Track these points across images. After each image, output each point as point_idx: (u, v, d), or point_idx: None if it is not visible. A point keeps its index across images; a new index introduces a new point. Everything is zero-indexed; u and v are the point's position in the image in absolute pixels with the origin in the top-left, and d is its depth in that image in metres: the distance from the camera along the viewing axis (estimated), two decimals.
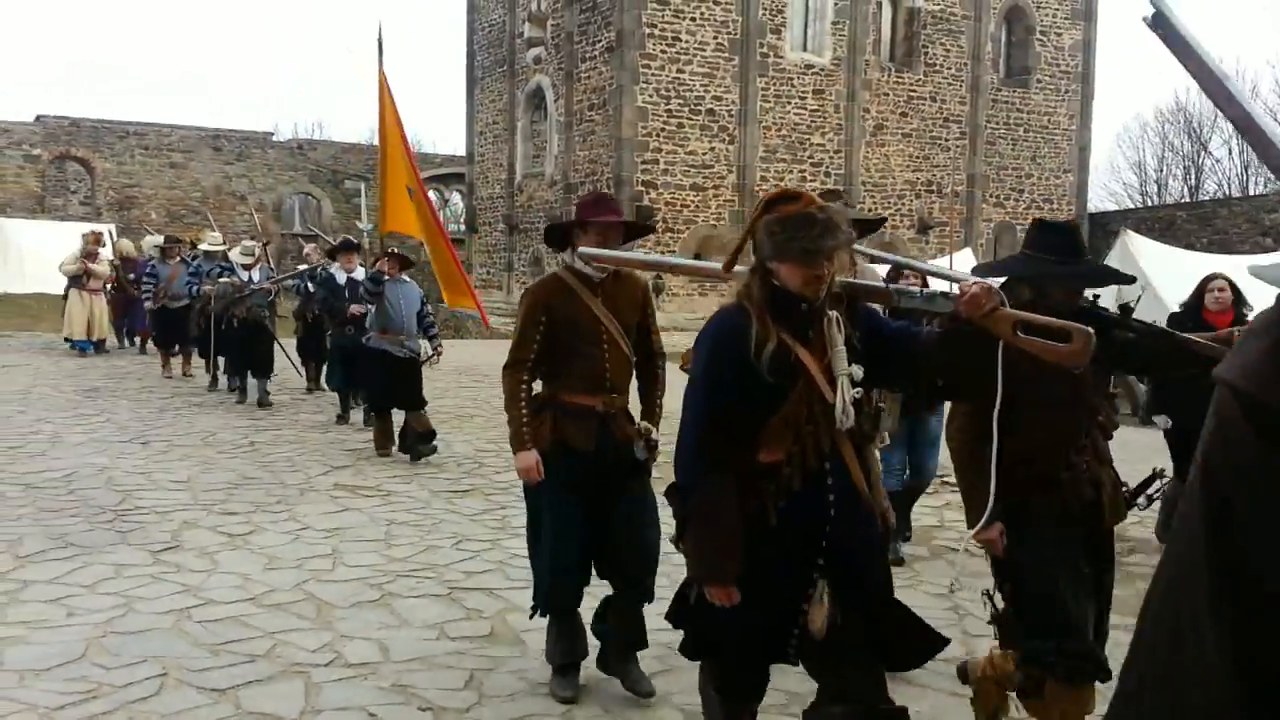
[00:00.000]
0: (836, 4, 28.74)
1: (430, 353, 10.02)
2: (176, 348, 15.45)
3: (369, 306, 9.97)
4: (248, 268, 13.41)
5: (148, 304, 16.10)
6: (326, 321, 12.60)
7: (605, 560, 4.49)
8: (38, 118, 34.85)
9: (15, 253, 26.63)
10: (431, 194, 44.12)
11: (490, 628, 5.24)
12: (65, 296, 17.80)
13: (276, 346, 13.62)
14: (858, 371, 3.04)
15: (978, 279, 3.09)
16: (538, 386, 4.54)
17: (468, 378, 15.85)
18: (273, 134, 39.70)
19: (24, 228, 28.23)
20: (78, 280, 17.20)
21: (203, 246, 15.28)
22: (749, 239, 3.09)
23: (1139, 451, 11.48)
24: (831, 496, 3.08)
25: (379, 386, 9.80)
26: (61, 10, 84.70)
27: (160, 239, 17.72)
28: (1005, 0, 31.24)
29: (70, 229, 29.11)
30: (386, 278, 9.62)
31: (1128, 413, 14.27)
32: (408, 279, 9.88)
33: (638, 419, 4.52)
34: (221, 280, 13.26)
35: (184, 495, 7.87)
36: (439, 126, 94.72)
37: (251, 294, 13.07)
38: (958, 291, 2.98)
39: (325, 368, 13.08)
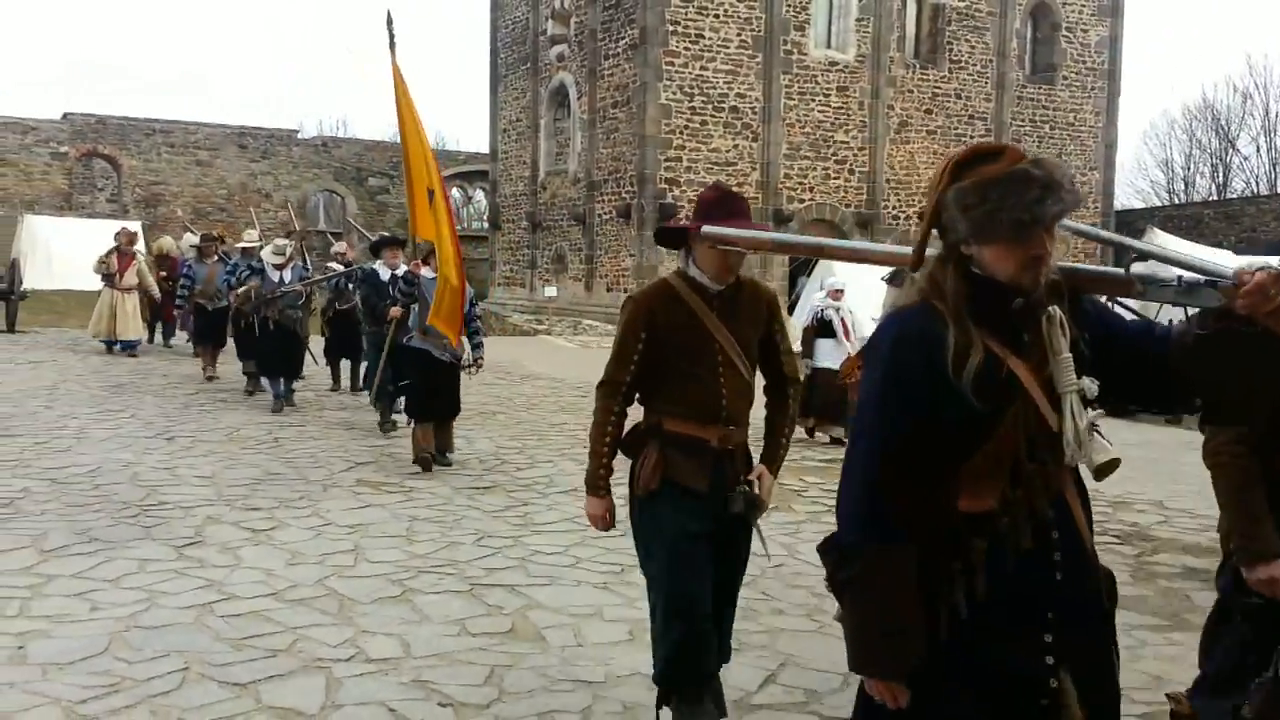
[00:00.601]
0: (860, 1, 28.62)
1: (471, 359, 9.37)
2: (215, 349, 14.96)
3: (412, 307, 9.38)
4: (279, 267, 12.67)
5: (180, 305, 15.52)
6: (365, 319, 11.97)
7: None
8: (65, 115, 35.15)
9: (43, 250, 26.86)
10: (455, 191, 44.49)
11: (511, 624, 5.24)
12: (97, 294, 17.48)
13: (309, 352, 13.40)
14: (1091, 386, 2.29)
15: (1263, 263, 2.23)
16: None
17: (490, 374, 15.86)
18: (298, 131, 39.93)
19: (51, 225, 28.49)
20: (110, 279, 16.78)
21: (240, 244, 14.71)
22: (935, 219, 2.35)
23: None
24: (1058, 555, 2.32)
25: (420, 391, 9.11)
26: (61, 9, 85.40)
27: (197, 238, 17.23)
28: None
29: (97, 226, 29.41)
30: (430, 275, 9.10)
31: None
32: (432, 274, 9.34)
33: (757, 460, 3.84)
34: (247, 283, 12.66)
35: (208, 491, 7.91)
36: (462, 124, 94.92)
37: (282, 295, 12.44)
38: (1231, 279, 2.20)
39: (359, 368, 12.54)
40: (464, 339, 9.17)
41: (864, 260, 3.08)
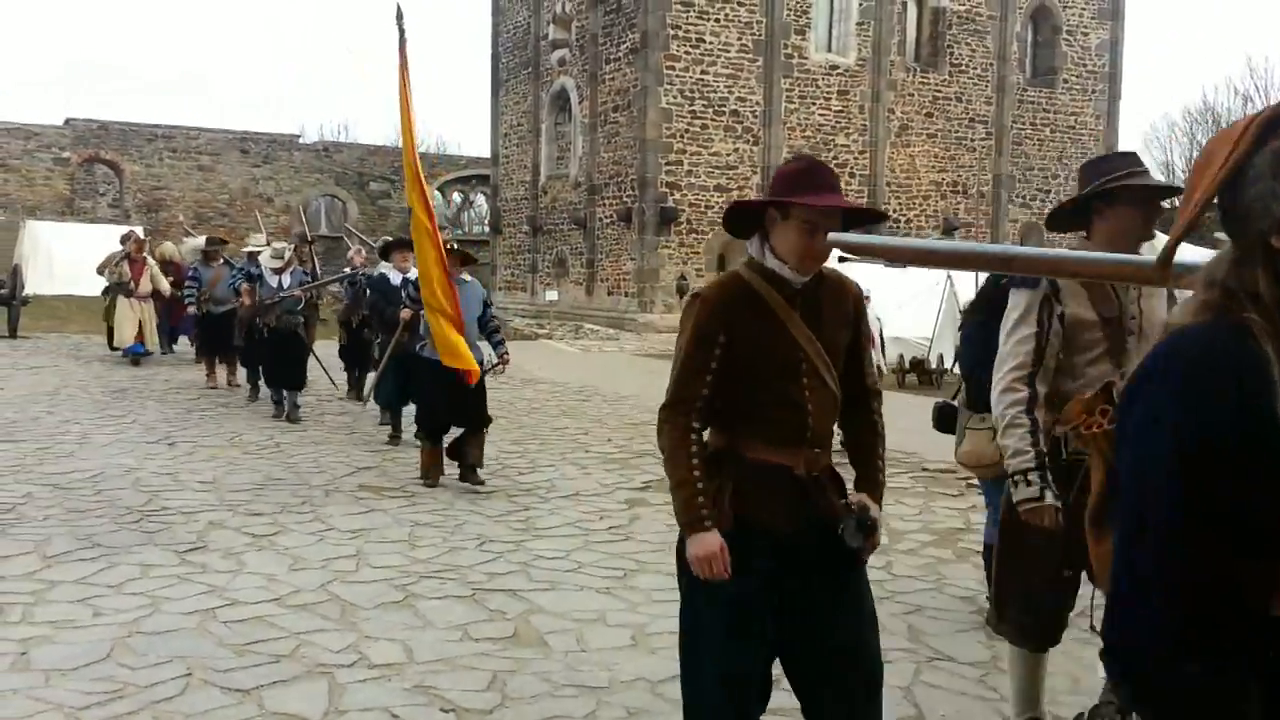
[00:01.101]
0: (861, 5, 28.69)
1: (494, 361, 8.92)
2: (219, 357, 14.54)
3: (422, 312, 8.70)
4: (278, 272, 12.16)
5: (190, 309, 15.11)
6: (375, 327, 11.60)
7: (809, 688, 3.05)
8: (67, 121, 35.20)
9: (44, 255, 26.90)
10: (455, 195, 44.52)
11: (514, 629, 5.23)
12: (109, 301, 16.78)
13: (313, 358, 13.13)
14: None
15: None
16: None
17: (490, 378, 15.87)
18: (299, 136, 40.01)
19: (53, 230, 28.52)
20: (123, 286, 16.22)
21: (246, 249, 14.46)
22: (1222, 197, 1.58)
23: None
24: None
25: (433, 404, 8.51)
26: (61, 10, 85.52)
27: (201, 241, 16.78)
28: (1031, 0, 31.07)
29: (99, 231, 29.45)
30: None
31: None
32: (469, 278, 8.91)
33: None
34: (241, 289, 12.44)
35: (210, 496, 7.92)
36: (463, 128, 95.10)
37: (280, 301, 11.96)
38: None
39: (372, 378, 11.51)
40: (481, 343, 8.89)
41: (1096, 275, 2.67)
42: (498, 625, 5.28)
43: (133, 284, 16.21)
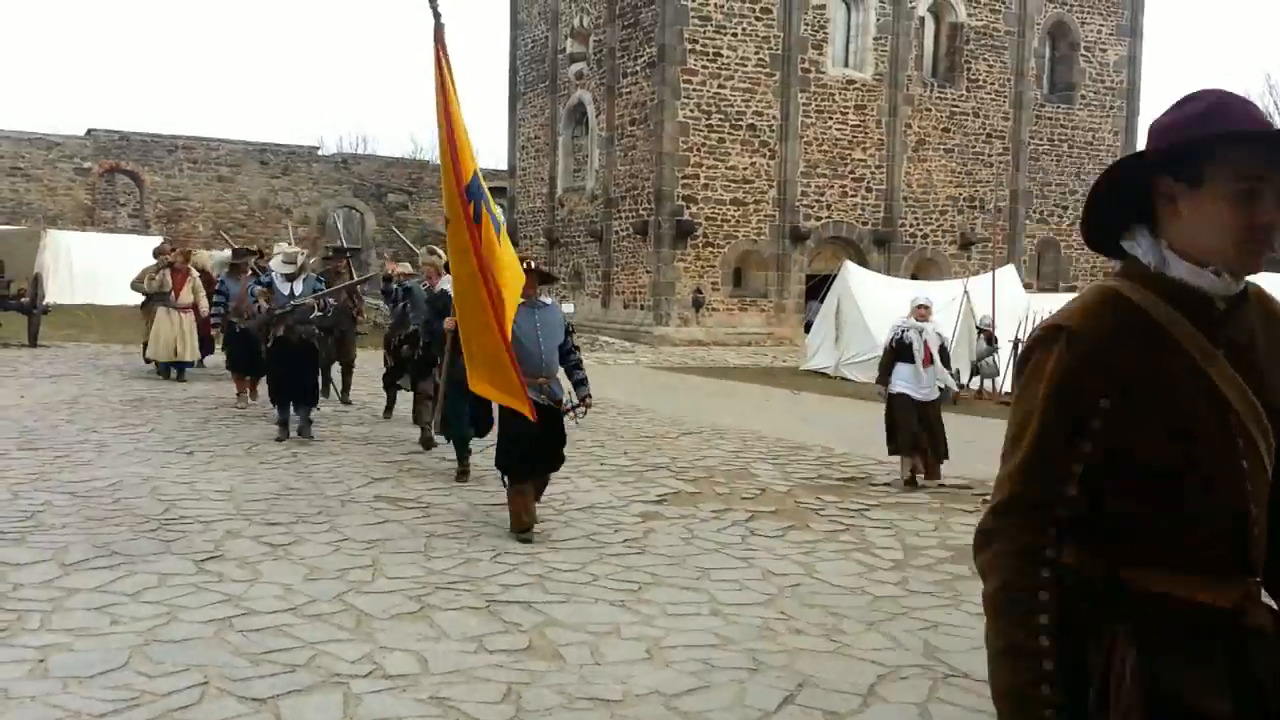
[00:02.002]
0: (879, 19, 28.73)
1: (574, 402, 7.59)
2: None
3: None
4: (290, 278, 11.25)
5: (214, 327, 14.24)
6: (433, 349, 10.05)
7: None
8: (89, 131, 35.49)
9: (65, 264, 27.10)
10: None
11: (528, 641, 5.24)
12: (146, 313, 16.13)
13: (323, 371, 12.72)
14: None
15: None
16: None
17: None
18: (318, 148, 40.25)
19: (74, 240, 28.73)
20: (164, 297, 15.54)
21: (273, 264, 13.15)
22: None
23: None
24: None
25: (514, 443, 7.23)
26: (84, 21, 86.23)
27: (228, 253, 15.80)
28: (1049, 16, 31.08)
29: (119, 241, 29.68)
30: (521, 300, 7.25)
31: None
32: (550, 300, 7.79)
33: None
34: (257, 297, 11.48)
35: (227, 505, 7.94)
36: (481, 140, 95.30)
37: (293, 310, 11.03)
38: None
39: (439, 409, 9.38)
40: (560, 379, 7.64)
41: None
42: (512, 637, 5.29)
43: (174, 294, 15.60)
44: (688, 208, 27.03)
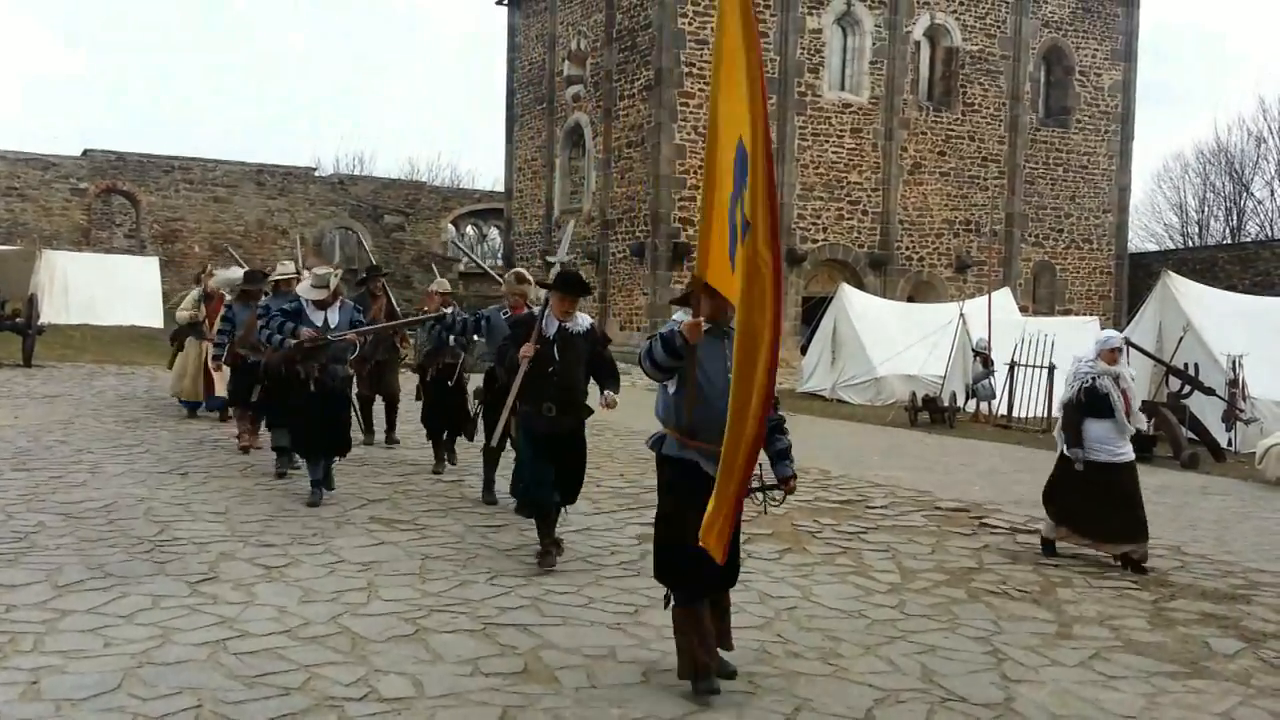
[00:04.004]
0: (874, 44, 28.88)
1: (773, 481, 5.27)
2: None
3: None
4: (321, 305, 9.08)
5: (213, 361, 12.24)
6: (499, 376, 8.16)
7: None
8: (85, 152, 35.52)
9: (60, 284, 27.05)
10: (469, 229, 44.59)
11: (524, 664, 5.21)
12: (176, 344, 14.67)
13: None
14: None
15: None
16: None
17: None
18: (315, 169, 40.30)
19: (69, 260, 28.69)
20: (197, 328, 13.91)
21: (274, 276, 11.43)
22: None
23: (1179, 495, 11.35)
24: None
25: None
26: (83, 41, 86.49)
27: (238, 274, 13.40)
28: (1044, 41, 31.25)
29: (115, 262, 29.67)
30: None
31: (1169, 455, 14.10)
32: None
33: None
34: (288, 332, 9.00)
35: (221, 527, 7.91)
36: (478, 162, 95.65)
37: (328, 345, 8.94)
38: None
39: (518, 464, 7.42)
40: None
41: None
42: (508, 660, 5.27)
43: (206, 324, 13.68)
44: (684, 230, 27.08)
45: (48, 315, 22.70)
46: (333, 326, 8.99)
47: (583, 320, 7.26)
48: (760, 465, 4.87)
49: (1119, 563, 7.79)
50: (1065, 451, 8.09)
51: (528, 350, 7.00)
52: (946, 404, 17.76)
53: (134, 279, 28.56)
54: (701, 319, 4.78)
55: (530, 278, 9.20)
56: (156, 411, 14.71)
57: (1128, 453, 7.99)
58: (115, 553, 6.99)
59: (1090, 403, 7.93)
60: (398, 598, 6.25)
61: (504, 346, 7.81)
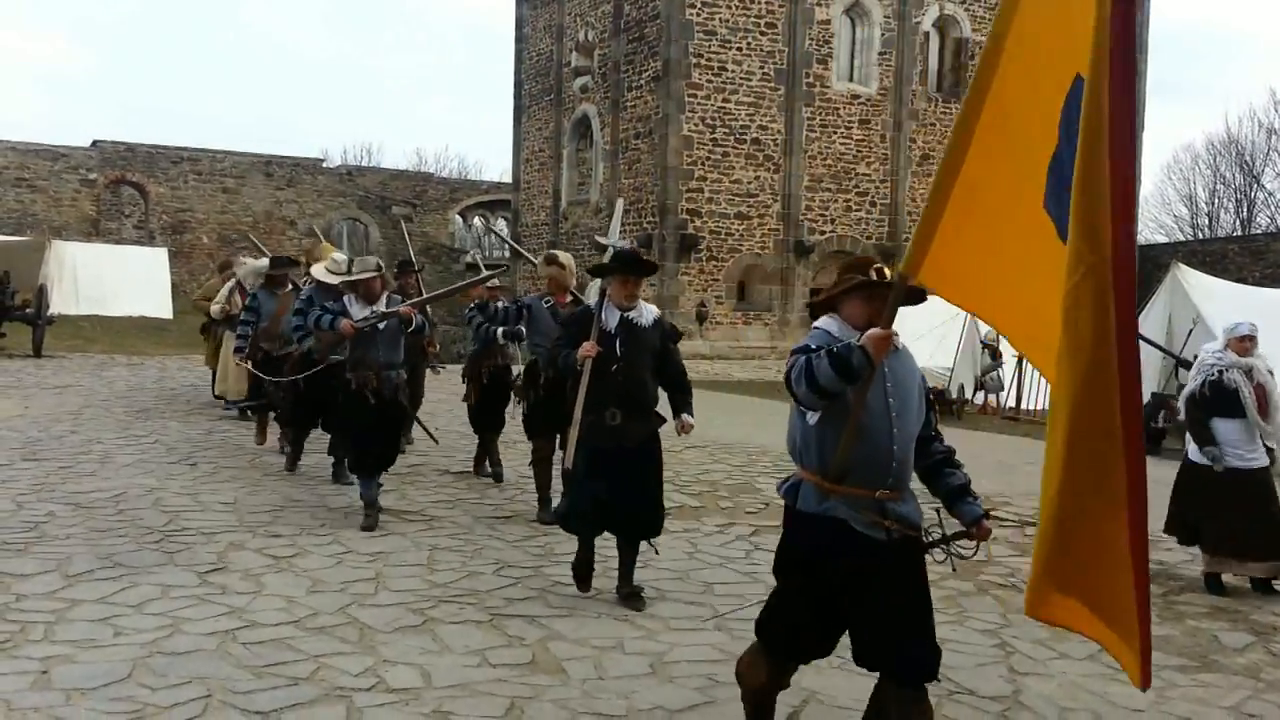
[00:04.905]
0: (883, 34, 28.79)
1: (946, 533, 4.11)
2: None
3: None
4: (367, 299, 7.97)
5: (235, 355, 11.21)
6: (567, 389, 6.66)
7: None
8: (94, 143, 35.60)
9: (70, 275, 27.09)
10: (476, 220, 44.65)
11: (532, 655, 5.22)
12: (212, 336, 13.91)
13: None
14: None
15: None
16: None
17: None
18: (323, 160, 40.38)
19: (79, 251, 28.75)
20: (232, 321, 12.53)
21: (316, 272, 9.64)
22: None
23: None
24: None
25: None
26: (91, 35, 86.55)
27: (264, 262, 12.48)
28: None
29: (124, 252, 29.72)
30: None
31: (1179, 448, 14.03)
32: (900, 343, 3.98)
33: None
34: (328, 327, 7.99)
35: (230, 517, 7.94)
36: (485, 154, 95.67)
37: (374, 341, 7.88)
38: None
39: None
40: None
41: None
42: (516, 651, 5.27)
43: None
44: (691, 221, 27.06)
45: (57, 306, 22.77)
46: (381, 329, 7.82)
47: (649, 310, 6.24)
48: (939, 514, 4.04)
49: (1249, 584, 7.01)
50: (1194, 455, 7.11)
51: (589, 349, 5.94)
52: (954, 396, 17.74)
53: (143, 270, 28.60)
54: (893, 331, 3.63)
55: (566, 260, 8.52)
56: (166, 402, 14.75)
57: (1260, 457, 6.99)
58: (125, 543, 7.02)
59: (1216, 399, 6.92)
60: (405, 588, 6.26)
61: (556, 347, 6.53)
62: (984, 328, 19.03)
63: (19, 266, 22.57)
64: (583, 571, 6.22)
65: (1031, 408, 17.90)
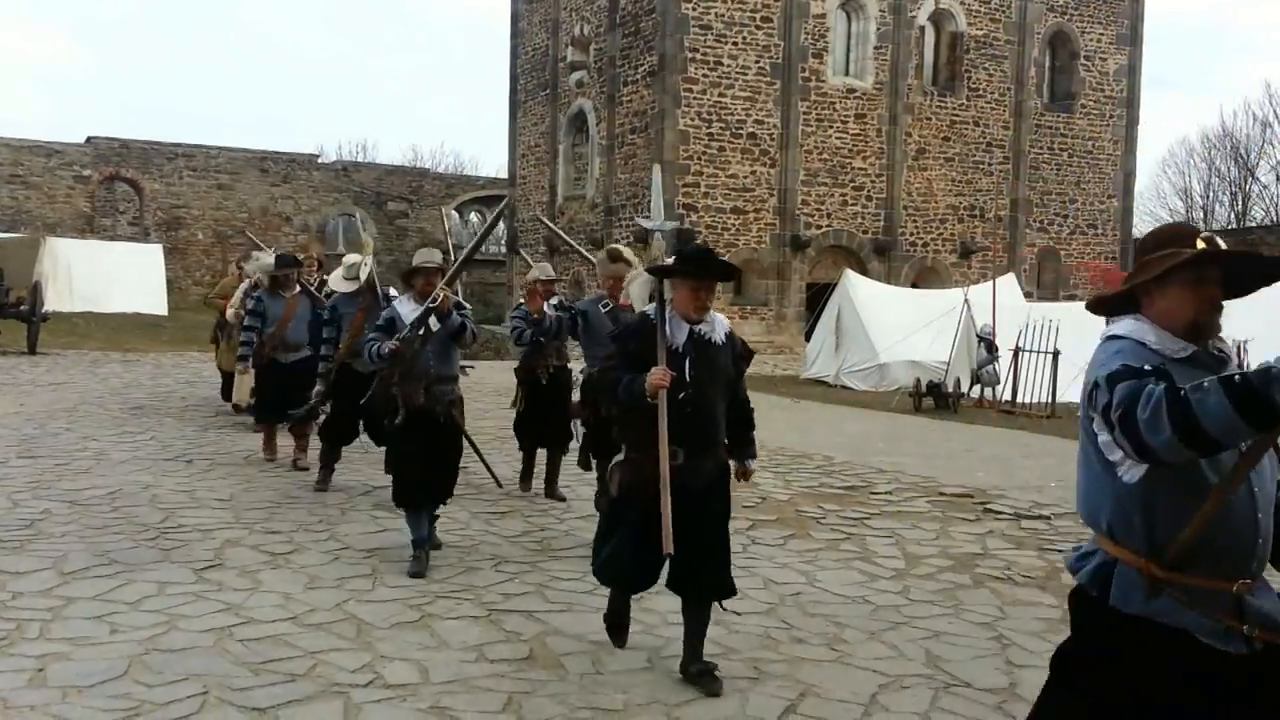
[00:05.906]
0: (879, 29, 28.77)
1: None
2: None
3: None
4: (423, 297, 6.90)
5: (239, 363, 10.79)
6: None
7: None
8: (89, 139, 35.54)
9: (64, 272, 27.10)
10: (473, 215, 44.62)
11: (529, 650, 5.22)
12: (227, 339, 12.93)
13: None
14: None
15: None
16: None
17: (505, 397, 15.86)
18: (318, 156, 40.32)
19: (73, 247, 28.74)
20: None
21: (334, 282, 9.31)
22: None
23: None
24: None
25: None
26: (86, 30, 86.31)
27: (270, 258, 11.31)
28: (1049, 25, 31.12)
29: (119, 249, 29.70)
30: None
31: None
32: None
33: None
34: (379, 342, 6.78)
35: (226, 514, 7.93)
36: (481, 148, 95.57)
37: (423, 326, 6.74)
38: None
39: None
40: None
41: None
42: (513, 646, 5.27)
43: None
44: (688, 216, 27.03)
45: (52, 303, 22.75)
46: (433, 330, 6.68)
47: (720, 322, 5.01)
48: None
49: None
50: None
51: (662, 378, 4.57)
52: (951, 390, 17.74)
53: (138, 266, 28.61)
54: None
55: (631, 256, 7.55)
56: (161, 399, 14.73)
57: None
58: (121, 540, 7.01)
59: None
60: (402, 584, 6.25)
61: (607, 371, 5.00)
62: (980, 322, 19.05)
63: (13, 263, 22.57)
64: (616, 620, 5.10)
65: (1027, 401, 17.92)
